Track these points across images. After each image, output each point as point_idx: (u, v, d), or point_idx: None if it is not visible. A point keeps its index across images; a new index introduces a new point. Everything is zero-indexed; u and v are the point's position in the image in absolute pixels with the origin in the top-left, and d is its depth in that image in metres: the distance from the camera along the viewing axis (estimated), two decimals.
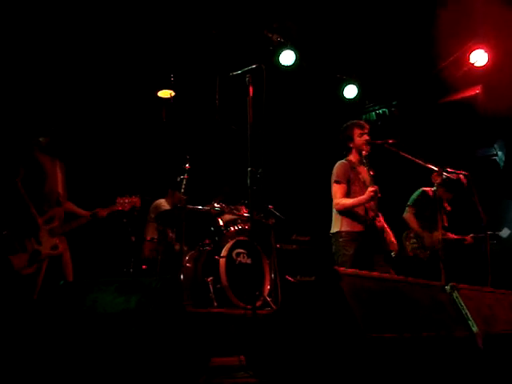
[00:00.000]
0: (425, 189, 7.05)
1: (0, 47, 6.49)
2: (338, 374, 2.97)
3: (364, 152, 5.55)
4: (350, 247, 5.35)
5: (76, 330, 3.13)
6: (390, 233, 5.52)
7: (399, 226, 6.95)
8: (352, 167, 5.57)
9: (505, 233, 8.83)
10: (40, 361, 3.10)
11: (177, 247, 7.03)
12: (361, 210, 5.45)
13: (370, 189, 5.27)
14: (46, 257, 4.79)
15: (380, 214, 5.52)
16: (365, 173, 5.56)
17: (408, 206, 7.09)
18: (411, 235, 7.01)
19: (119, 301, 3.17)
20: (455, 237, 7.03)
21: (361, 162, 5.64)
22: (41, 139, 5.08)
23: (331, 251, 5.56)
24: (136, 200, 5.60)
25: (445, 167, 6.27)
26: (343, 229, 5.44)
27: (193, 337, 3.78)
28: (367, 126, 5.71)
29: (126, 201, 5.53)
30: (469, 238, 7.00)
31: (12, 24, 6.49)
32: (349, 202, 5.42)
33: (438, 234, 6.18)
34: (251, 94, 4.60)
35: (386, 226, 5.53)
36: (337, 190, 5.50)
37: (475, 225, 6.69)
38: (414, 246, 6.96)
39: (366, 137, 5.61)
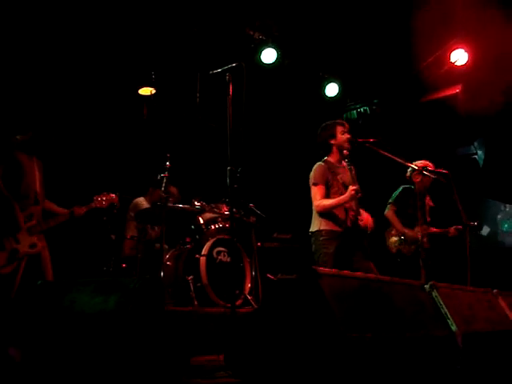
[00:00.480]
0: (406, 186, 7.06)
1: None
2: (318, 374, 2.97)
3: (345, 151, 5.55)
4: (330, 245, 5.34)
5: (54, 330, 3.10)
6: (368, 216, 5.53)
7: (381, 224, 6.96)
8: (330, 169, 5.56)
9: (485, 231, 8.93)
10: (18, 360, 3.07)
11: (157, 245, 7.01)
12: (341, 211, 5.44)
13: (351, 187, 5.26)
14: (24, 255, 4.73)
15: (363, 211, 5.52)
16: (344, 173, 5.55)
17: (389, 203, 7.10)
18: (393, 232, 7.03)
19: (97, 301, 3.14)
20: (438, 230, 7.03)
21: (340, 162, 5.63)
22: (18, 137, 5.01)
23: (311, 250, 5.56)
24: (113, 197, 5.56)
25: (426, 167, 6.31)
26: (323, 227, 5.43)
27: (173, 336, 3.76)
28: (347, 125, 5.73)
29: (104, 198, 5.49)
30: (452, 229, 6.98)
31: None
32: (329, 202, 5.41)
33: (418, 231, 6.18)
34: (231, 92, 4.58)
35: (363, 212, 5.52)
36: (316, 191, 5.48)
37: (455, 223, 6.73)
38: (396, 243, 6.98)
39: (347, 135, 5.61)
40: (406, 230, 6.85)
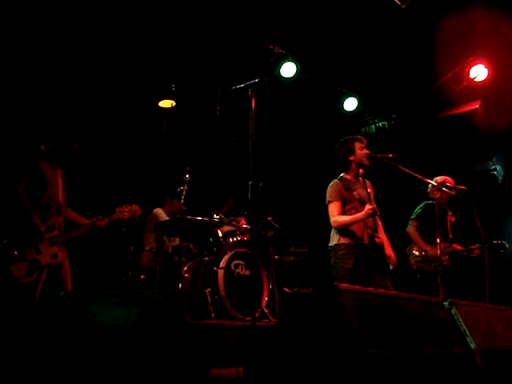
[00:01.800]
0: (428, 202, 7.01)
1: (2, 55, 6.51)
2: None
3: (361, 170, 5.56)
4: (349, 260, 5.35)
5: (77, 342, 3.13)
6: (390, 247, 5.54)
7: (401, 241, 6.94)
8: (346, 186, 5.57)
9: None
10: (42, 371, 3.10)
11: (175, 257, 7.03)
12: (358, 227, 5.45)
13: (368, 207, 5.28)
14: (45, 266, 4.77)
15: (381, 229, 5.53)
16: (361, 190, 5.58)
17: (411, 219, 7.04)
18: (414, 249, 6.98)
19: (120, 313, 3.17)
20: (461, 248, 6.93)
21: (357, 178, 5.64)
22: (42, 147, 5.06)
23: (329, 264, 5.57)
24: (136, 209, 5.59)
25: (444, 182, 6.30)
26: (342, 242, 5.45)
27: (192, 348, 3.78)
28: (365, 141, 5.75)
29: (126, 210, 5.53)
30: (477, 250, 6.81)
31: (13, 31, 6.52)
32: (346, 219, 5.43)
33: (437, 249, 6.13)
34: (253, 107, 4.61)
35: (385, 240, 5.55)
36: (332, 208, 5.51)
37: (474, 240, 6.68)
38: (418, 259, 6.92)
39: (366, 151, 5.63)
40: (428, 248, 6.79)
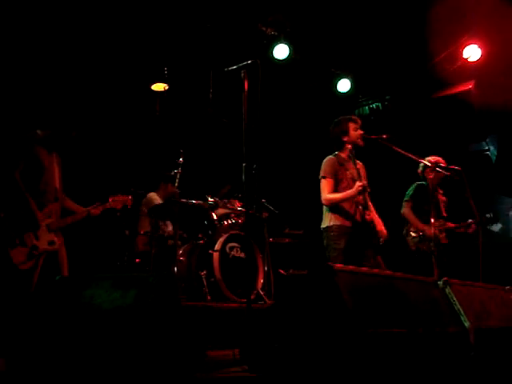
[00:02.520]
0: (419, 183, 7.02)
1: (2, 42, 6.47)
2: (333, 369, 3.00)
3: (349, 146, 5.58)
4: (340, 241, 5.41)
5: (74, 325, 3.14)
6: (381, 223, 5.57)
7: (397, 222, 6.95)
8: (340, 163, 5.61)
9: (497, 227, 8.89)
10: (42, 356, 3.12)
11: (170, 241, 7.04)
12: (349, 205, 5.50)
13: (358, 183, 5.34)
14: (43, 252, 4.77)
15: (371, 207, 5.56)
16: (353, 168, 5.60)
17: (405, 201, 7.04)
18: (411, 230, 6.99)
19: (116, 296, 3.18)
20: (456, 225, 6.95)
21: (350, 158, 5.66)
22: (38, 131, 5.02)
23: (323, 245, 5.60)
24: (127, 199, 5.60)
25: (437, 162, 6.31)
26: (333, 223, 5.50)
27: (188, 330, 3.80)
28: (360, 122, 5.75)
29: (119, 199, 5.54)
30: (473, 225, 6.74)
31: (11, 20, 6.47)
32: (336, 196, 5.49)
33: (432, 228, 6.15)
34: (246, 89, 4.59)
35: (376, 217, 5.57)
36: (324, 185, 5.56)
37: (468, 217, 6.70)
38: (416, 239, 6.93)
39: (360, 131, 5.64)
40: (426, 227, 6.81)
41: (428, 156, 6.53)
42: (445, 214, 6.91)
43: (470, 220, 6.78)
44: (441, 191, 7.03)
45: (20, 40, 6.65)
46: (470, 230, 6.79)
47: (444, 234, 6.70)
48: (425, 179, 6.78)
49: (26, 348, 3.24)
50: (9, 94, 6.63)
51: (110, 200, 5.47)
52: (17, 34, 6.60)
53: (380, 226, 5.53)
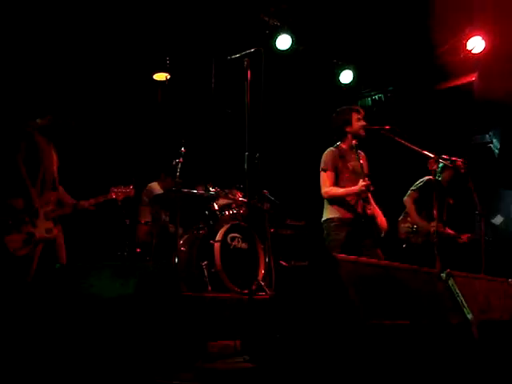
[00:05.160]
0: (431, 178, 6.96)
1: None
2: (336, 360, 2.98)
3: (354, 141, 5.53)
4: (340, 232, 5.37)
5: (74, 313, 3.12)
6: (381, 215, 5.53)
7: (395, 211, 6.94)
8: (341, 155, 5.55)
9: (498, 220, 8.87)
10: (39, 344, 3.10)
11: (171, 230, 7.01)
12: (350, 197, 5.45)
13: (362, 183, 5.26)
14: (40, 240, 4.74)
15: (372, 201, 5.52)
16: (354, 160, 5.55)
17: (411, 190, 7.00)
18: (408, 219, 6.99)
19: (116, 285, 3.16)
20: (451, 233, 6.99)
21: (351, 149, 5.61)
22: (38, 120, 5.01)
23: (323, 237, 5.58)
24: (129, 190, 5.57)
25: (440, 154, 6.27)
26: (334, 215, 5.46)
27: (188, 320, 3.78)
28: (363, 112, 5.70)
29: (120, 190, 5.51)
30: (465, 237, 6.92)
31: (11, 10, 6.43)
32: (338, 191, 5.44)
33: (433, 225, 6.13)
34: (249, 78, 4.56)
35: (377, 210, 5.53)
36: (325, 178, 5.50)
37: (470, 212, 6.69)
38: (408, 229, 6.94)
39: (363, 122, 5.58)
40: (420, 222, 6.79)
41: (433, 148, 6.48)
42: (445, 218, 6.90)
43: (466, 235, 6.85)
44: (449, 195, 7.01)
45: (21, 30, 6.61)
46: (460, 241, 6.84)
47: (435, 235, 6.70)
48: (435, 174, 6.73)
49: (27, 336, 3.22)
50: (10, 84, 6.60)
51: (112, 191, 5.46)
52: (18, 24, 6.56)
53: (381, 218, 5.49)
